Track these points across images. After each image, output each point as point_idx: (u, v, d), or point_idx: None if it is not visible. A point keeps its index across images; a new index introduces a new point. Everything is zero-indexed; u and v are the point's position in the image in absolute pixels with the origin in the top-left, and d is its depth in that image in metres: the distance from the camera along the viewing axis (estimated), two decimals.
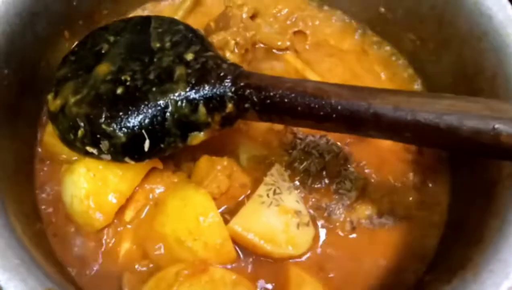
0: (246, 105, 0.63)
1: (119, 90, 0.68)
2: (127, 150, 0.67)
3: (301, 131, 0.79)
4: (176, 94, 0.64)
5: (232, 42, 0.84)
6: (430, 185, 0.78)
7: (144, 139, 0.66)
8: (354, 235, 0.74)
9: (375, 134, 0.59)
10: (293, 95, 0.60)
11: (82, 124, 0.67)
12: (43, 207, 0.75)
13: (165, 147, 0.67)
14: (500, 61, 0.69)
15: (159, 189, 0.74)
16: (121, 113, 0.66)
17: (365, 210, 0.75)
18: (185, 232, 0.68)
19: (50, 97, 0.72)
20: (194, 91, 0.64)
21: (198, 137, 0.67)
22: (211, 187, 0.72)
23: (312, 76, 0.86)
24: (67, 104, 0.69)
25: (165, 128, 0.65)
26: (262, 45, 0.90)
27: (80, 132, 0.68)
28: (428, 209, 0.76)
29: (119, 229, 0.73)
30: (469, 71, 0.75)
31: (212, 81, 0.64)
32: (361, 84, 0.83)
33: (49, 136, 0.77)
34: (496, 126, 0.51)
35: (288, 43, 0.89)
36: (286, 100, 0.60)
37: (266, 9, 0.93)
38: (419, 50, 0.85)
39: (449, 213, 0.76)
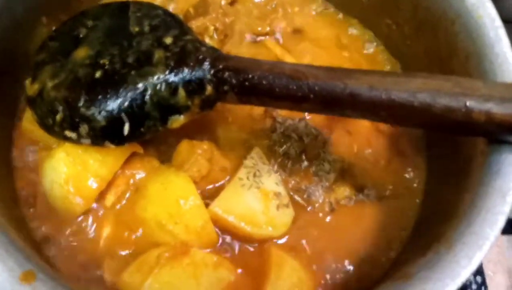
0: (225, 88, 0.64)
1: (98, 74, 0.67)
2: (106, 134, 0.67)
3: (280, 115, 0.79)
4: (155, 77, 0.65)
5: (212, 27, 0.85)
6: (407, 164, 0.80)
7: (124, 123, 0.66)
8: (332, 216, 0.75)
9: (351, 114, 0.61)
10: (271, 76, 0.61)
11: (60, 108, 0.67)
12: (22, 193, 0.74)
13: (145, 131, 0.67)
14: (473, 43, 0.70)
15: (139, 174, 0.74)
16: (100, 97, 0.66)
17: (343, 191, 0.76)
18: (166, 215, 0.68)
19: (28, 82, 0.71)
20: (173, 74, 0.65)
21: (178, 121, 0.67)
22: (192, 171, 0.73)
23: (292, 61, 0.87)
24: (45, 88, 0.69)
25: (145, 111, 0.65)
26: (241, 31, 0.90)
27: (58, 116, 0.67)
28: (405, 188, 0.78)
29: (100, 214, 0.73)
30: (443, 54, 0.76)
31: (191, 64, 0.65)
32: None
33: (28, 122, 0.77)
34: (468, 103, 0.53)
35: (268, 29, 0.90)
36: (264, 82, 0.61)
37: None
38: (395, 35, 0.86)
39: (425, 191, 0.78)
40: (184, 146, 0.74)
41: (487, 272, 0.92)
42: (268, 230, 0.71)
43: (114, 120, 0.66)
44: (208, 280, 0.68)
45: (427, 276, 0.56)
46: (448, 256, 0.56)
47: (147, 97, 0.65)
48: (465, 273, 0.54)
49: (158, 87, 0.65)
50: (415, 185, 0.79)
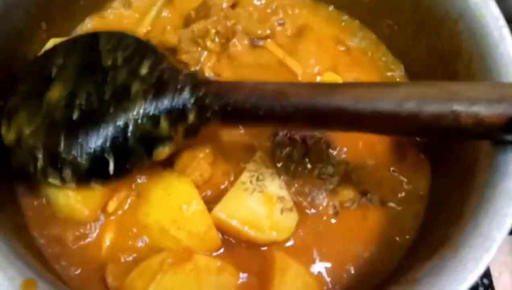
0: (208, 115, 0.62)
1: (75, 115, 0.65)
2: (91, 175, 0.66)
3: None
4: (135, 112, 0.63)
5: (213, 31, 0.84)
6: (411, 168, 0.79)
7: (108, 162, 0.64)
8: (337, 219, 0.75)
9: (338, 128, 0.61)
10: (253, 99, 0.60)
11: (40, 155, 0.65)
12: (23, 200, 0.74)
13: (131, 167, 0.66)
14: (476, 43, 0.70)
15: (141, 180, 0.74)
16: (79, 139, 0.64)
17: (347, 194, 0.76)
18: (168, 221, 0.68)
19: (3, 130, 0.68)
20: (153, 106, 0.63)
21: (163, 152, 0.66)
22: (194, 175, 0.72)
23: (293, 64, 0.87)
24: (22, 136, 0.66)
25: (129, 148, 0.64)
26: (242, 34, 0.89)
27: (39, 164, 0.65)
28: (409, 192, 0.77)
29: (102, 220, 0.72)
30: (447, 54, 0.75)
31: (171, 94, 0.63)
32: (342, 70, 0.87)
33: None
34: (454, 108, 0.52)
35: (268, 31, 0.89)
36: (247, 105, 0.60)
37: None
38: (397, 36, 0.85)
39: (430, 194, 0.77)
40: (186, 151, 0.73)
41: (493, 273, 0.91)
42: (272, 235, 0.71)
43: (98, 161, 0.64)
44: (211, 286, 0.67)
45: (433, 281, 0.55)
46: (455, 260, 0.55)
47: (129, 133, 0.63)
48: (472, 277, 0.53)
49: (139, 121, 0.63)
50: (419, 188, 0.78)
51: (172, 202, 0.69)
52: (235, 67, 0.85)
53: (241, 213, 0.70)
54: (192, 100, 0.62)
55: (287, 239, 0.72)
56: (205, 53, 0.84)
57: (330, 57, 0.89)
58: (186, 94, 0.63)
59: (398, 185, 0.78)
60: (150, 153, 0.65)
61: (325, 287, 0.71)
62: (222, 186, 0.74)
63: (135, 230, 0.71)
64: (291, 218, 0.72)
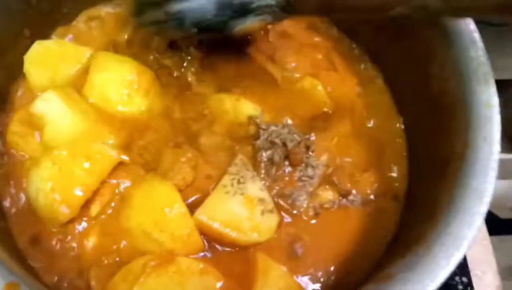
0: None
1: None
2: None
3: (263, 121, 0.80)
4: None
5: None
6: (388, 168, 0.81)
7: None
8: (317, 220, 0.76)
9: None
10: None
11: None
12: (5, 203, 0.75)
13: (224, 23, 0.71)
14: (450, 46, 0.72)
15: (125, 184, 0.75)
16: None
17: (327, 196, 0.77)
18: (151, 224, 0.69)
19: None
20: None
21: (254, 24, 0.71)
22: (177, 179, 0.73)
23: (274, 69, 0.88)
24: None
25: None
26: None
27: None
28: (387, 192, 0.79)
29: (84, 224, 0.73)
30: (421, 58, 0.78)
31: None
32: (323, 75, 0.88)
33: (12, 135, 0.78)
34: None
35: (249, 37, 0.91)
36: None
37: None
38: (375, 39, 0.88)
39: (406, 194, 0.79)
40: (168, 154, 0.75)
41: (476, 272, 0.93)
42: (253, 236, 0.72)
43: None
44: (194, 287, 0.68)
45: (407, 277, 0.57)
46: (428, 257, 0.57)
47: None
48: (443, 273, 0.55)
49: None
50: (396, 188, 0.80)
51: (155, 206, 0.70)
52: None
53: (222, 215, 0.71)
54: None
55: (269, 240, 0.73)
56: (188, 57, 0.86)
57: (311, 60, 0.91)
58: None
59: (377, 186, 0.80)
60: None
61: (308, 286, 0.72)
62: (205, 190, 0.75)
63: (117, 234, 0.72)
64: (272, 220, 0.74)
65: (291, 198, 0.77)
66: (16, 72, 0.82)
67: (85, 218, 0.73)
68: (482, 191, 0.59)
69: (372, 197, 0.79)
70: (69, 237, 0.72)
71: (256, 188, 0.74)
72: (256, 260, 0.72)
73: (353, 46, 0.93)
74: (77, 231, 0.73)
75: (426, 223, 0.63)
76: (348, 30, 0.93)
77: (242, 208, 0.72)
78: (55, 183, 0.70)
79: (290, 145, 0.78)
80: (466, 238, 0.57)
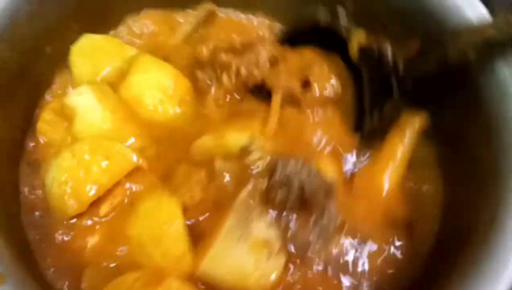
0: None
1: None
2: None
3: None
4: None
5: (234, 68, 0.82)
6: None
7: None
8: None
9: None
10: None
11: None
12: (23, 189, 0.77)
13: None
14: None
15: (138, 188, 0.75)
16: None
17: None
18: (148, 237, 0.68)
19: None
20: None
21: None
22: (186, 196, 0.72)
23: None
24: None
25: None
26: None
27: None
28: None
29: (91, 222, 0.73)
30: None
31: None
32: None
33: (43, 122, 0.80)
34: None
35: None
36: None
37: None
38: None
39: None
40: (182, 170, 0.74)
41: None
42: (259, 283, 0.68)
43: None
44: None
45: None
46: None
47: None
48: None
49: None
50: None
51: (157, 219, 0.69)
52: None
53: (228, 268, 0.67)
54: None
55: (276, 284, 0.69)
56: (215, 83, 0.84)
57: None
58: None
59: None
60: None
61: None
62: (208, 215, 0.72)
63: (119, 239, 0.71)
64: (278, 263, 0.69)
65: (301, 246, 0.71)
66: (60, 62, 0.84)
67: (94, 217, 0.73)
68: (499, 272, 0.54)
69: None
70: (73, 232, 0.73)
71: (262, 226, 0.69)
72: None
73: None
74: (82, 227, 0.73)
75: None
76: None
77: (247, 257, 0.68)
78: (70, 176, 0.71)
79: (307, 188, 0.71)
80: None
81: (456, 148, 0.75)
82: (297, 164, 0.72)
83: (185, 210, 0.70)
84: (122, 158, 0.75)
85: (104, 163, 0.73)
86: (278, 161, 0.72)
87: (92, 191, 0.71)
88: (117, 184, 0.74)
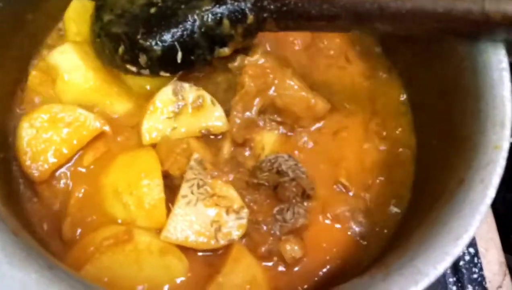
0: (265, 15, 0.71)
1: (152, 10, 0.75)
2: (162, 63, 0.75)
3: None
4: (203, 9, 0.72)
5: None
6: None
7: (177, 51, 0.74)
8: None
9: (380, 26, 0.67)
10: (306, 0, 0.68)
11: (122, 42, 0.75)
12: (10, 139, 0.77)
13: (195, 59, 0.75)
14: (476, 79, 0.67)
15: (120, 143, 0.77)
16: (155, 29, 0.74)
17: (289, 251, 0.72)
18: (124, 184, 0.70)
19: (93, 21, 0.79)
20: (217, 6, 0.72)
21: (224, 52, 0.75)
22: (173, 169, 0.72)
23: None
24: (106, 27, 0.77)
25: (194, 40, 0.73)
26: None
27: (120, 50, 0.75)
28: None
29: (73, 172, 0.75)
30: (447, 86, 0.74)
31: None
32: None
33: (33, 78, 0.81)
34: (486, 6, 0.58)
35: None
36: (299, 4, 0.68)
37: None
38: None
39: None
40: (163, 144, 0.75)
41: (480, 249, 0.91)
42: (227, 239, 0.70)
43: (169, 49, 0.73)
44: (152, 267, 0.67)
45: None
46: (383, 283, 0.54)
47: (195, 27, 0.72)
48: None
49: (205, 18, 0.72)
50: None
51: (134, 169, 0.70)
52: None
53: (190, 230, 0.69)
54: (251, 1, 0.71)
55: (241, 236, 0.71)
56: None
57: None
58: None
59: None
60: (212, 50, 0.75)
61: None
62: None
63: (96, 188, 0.72)
64: (240, 221, 0.71)
65: (258, 225, 0.73)
66: (53, 22, 0.86)
67: (78, 167, 0.75)
68: (461, 233, 0.55)
69: None
70: (56, 182, 0.75)
71: (217, 185, 0.72)
72: (231, 248, 0.70)
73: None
74: (67, 177, 0.75)
75: (397, 250, 0.59)
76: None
77: (207, 215, 0.69)
78: (29, 145, 0.73)
79: (291, 177, 0.73)
80: (428, 275, 0.53)
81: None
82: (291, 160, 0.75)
83: (175, 178, 0.72)
84: (82, 125, 0.75)
85: (65, 131, 0.74)
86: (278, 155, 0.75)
87: (51, 159, 0.73)
88: (100, 136, 0.76)
